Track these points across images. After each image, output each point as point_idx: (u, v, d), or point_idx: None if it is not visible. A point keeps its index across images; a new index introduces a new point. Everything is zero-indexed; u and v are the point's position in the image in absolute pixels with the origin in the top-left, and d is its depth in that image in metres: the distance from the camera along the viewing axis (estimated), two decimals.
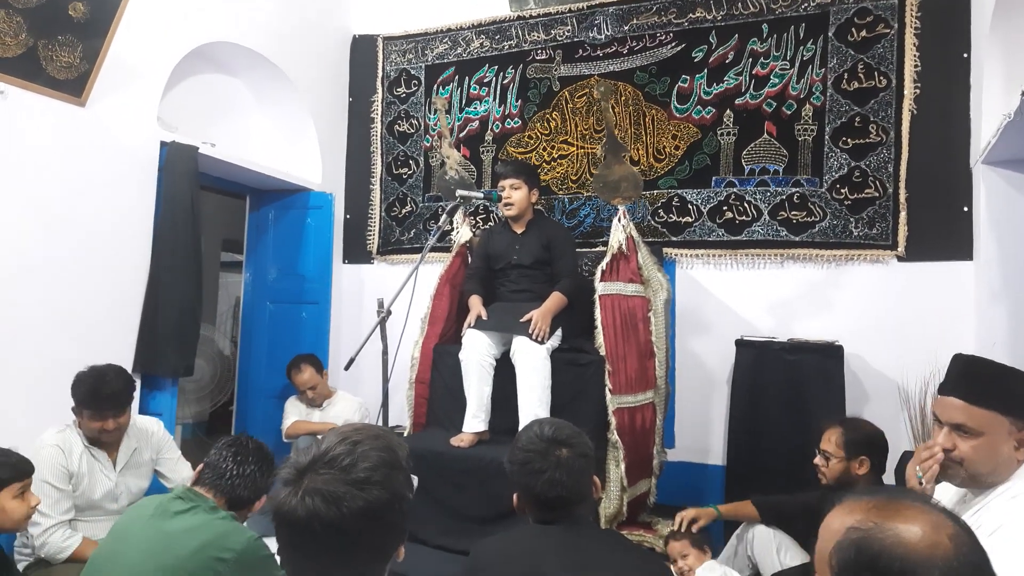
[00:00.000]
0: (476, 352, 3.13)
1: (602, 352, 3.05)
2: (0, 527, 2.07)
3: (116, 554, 1.72)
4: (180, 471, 2.81)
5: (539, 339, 3.03)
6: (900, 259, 3.41)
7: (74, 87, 3.01)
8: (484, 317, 3.21)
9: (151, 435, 2.77)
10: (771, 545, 2.75)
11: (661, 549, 2.97)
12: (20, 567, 2.44)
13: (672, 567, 2.65)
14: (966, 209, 3.28)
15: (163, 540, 1.68)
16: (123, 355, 3.18)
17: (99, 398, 2.47)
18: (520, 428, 2.95)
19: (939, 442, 1.53)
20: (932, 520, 0.89)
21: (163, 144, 3.46)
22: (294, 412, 3.93)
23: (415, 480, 1.17)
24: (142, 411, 3.23)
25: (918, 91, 3.40)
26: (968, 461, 1.49)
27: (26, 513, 2.11)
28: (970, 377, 1.55)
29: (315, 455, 1.08)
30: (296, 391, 4.00)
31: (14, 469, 2.08)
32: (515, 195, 3.33)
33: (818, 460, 2.55)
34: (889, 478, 2.62)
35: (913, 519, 0.89)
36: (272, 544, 1.82)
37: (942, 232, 3.34)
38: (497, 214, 4.26)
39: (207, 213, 5.40)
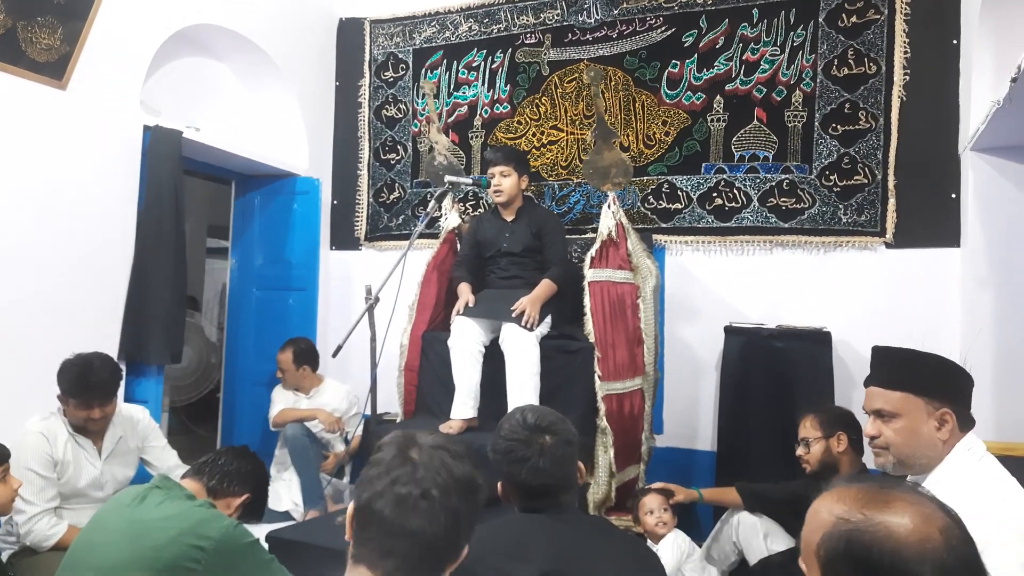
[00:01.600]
0: (465, 339, 3.12)
1: (591, 339, 3.05)
2: None
3: (94, 544, 1.71)
4: (166, 459, 2.79)
5: (529, 326, 3.02)
6: (888, 246, 3.42)
7: (55, 70, 2.96)
8: (472, 304, 3.20)
9: (137, 423, 2.75)
10: (758, 531, 2.78)
11: None
12: (4, 556, 2.42)
13: (646, 518, 2.74)
14: (954, 196, 3.29)
15: (139, 528, 1.67)
16: (108, 342, 3.14)
17: (86, 387, 2.45)
18: None
19: (866, 431, 1.64)
20: (922, 512, 0.88)
21: (146, 128, 3.40)
22: (281, 400, 3.91)
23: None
24: (127, 399, 3.20)
25: (908, 77, 3.40)
26: (892, 445, 1.58)
27: (10, 496, 2.11)
28: (883, 364, 1.65)
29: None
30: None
31: None
32: (504, 182, 3.31)
33: (800, 451, 2.62)
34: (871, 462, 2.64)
35: (903, 511, 0.88)
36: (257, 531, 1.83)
37: (930, 219, 3.34)
38: (487, 200, 4.23)
39: (193, 199, 5.37)
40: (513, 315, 3.04)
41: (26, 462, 2.36)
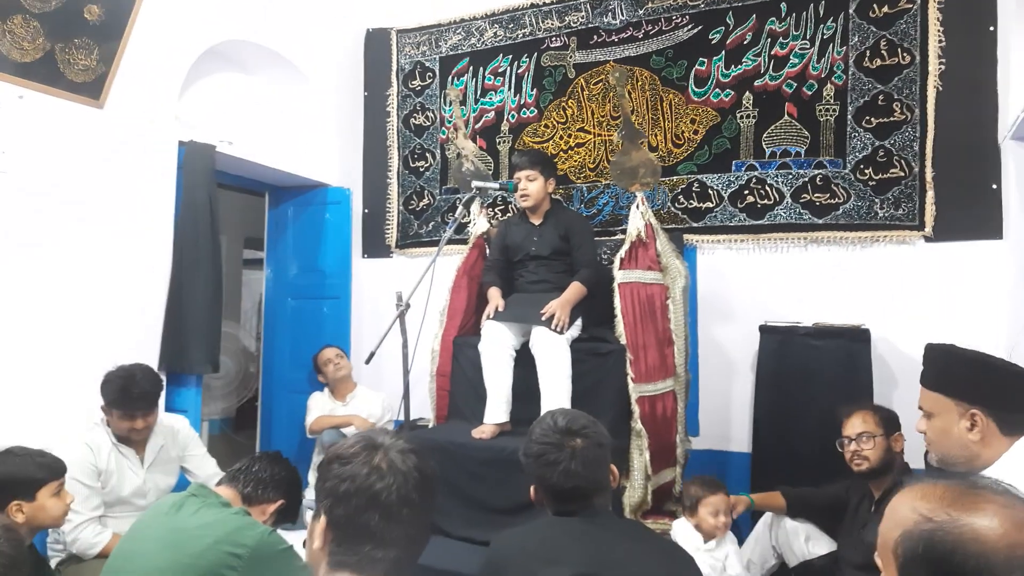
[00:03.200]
0: (496, 343, 3.12)
1: (622, 341, 3.02)
2: (40, 524, 2.12)
3: (133, 552, 1.75)
4: (206, 468, 2.84)
5: (559, 329, 3.01)
6: (928, 239, 3.34)
7: (92, 89, 3.05)
8: (502, 308, 3.20)
9: (177, 432, 2.81)
10: (799, 534, 2.73)
11: None
12: (53, 563, 2.49)
13: (708, 516, 2.57)
14: (995, 187, 3.20)
15: (177, 537, 1.70)
16: (148, 354, 3.22)
17: (129, 398, 2.52)
18: None
19: (915, 426, 1.71)
20: (1014, 516, 0.81)
21: (181, 144, 3.49)
22: (317, 407, 3.96)
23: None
24: (168, 408, 3.27)
25: (943, 67, 3.31)
26: (929, 442, 1.66)
27: (63, 510, 2.16)
28: (927, 364, 1.71)
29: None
30: (321, 386, 4.04)
31: (50, 469, 2.13)
32: (531, 186, 3.31)
33: (854, 446, 2.47)
34: (918, 463, 2.56)
35: (993, 513, 0.81)
36: (290, 537, 1.85)
37: (970, 211, 3.25)
38: (515, 205, 4.24)
39: (229, 212, 5.47)
40: (543, 318, 3.03)
41: (71, 472, 2.42)
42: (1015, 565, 0.77)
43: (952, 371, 1.63)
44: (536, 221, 3.38)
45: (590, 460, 1.63)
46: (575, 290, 3.13)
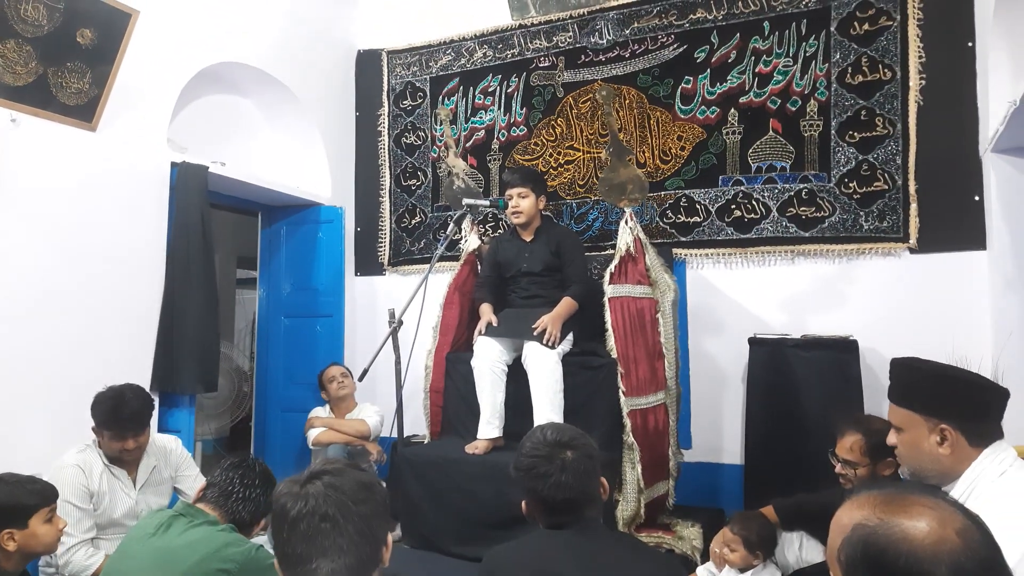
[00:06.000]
0: (488, 358, 3.14)
1: (613, 355, 3.05)
2: (33, 551, 2.10)
3: (121, 573, 1.74)
4: (199, 488, 2.83)
5: (550, 344, 3.04)
6: (912, 251, 3.39)
7: (84, 112, 3.07)
8: (495, 324, 3.22)
9: (169, 453, 2.80)
10: (793, 542, 2.73)
11: (680, 551, 2.97)
12: None
13: (715, 550, 2.55)
14: (977, 198, 3.25)
15: (165, 556, 1.70)
16: (141, 374, 3.22)
17: (119, 418, 2.51)
18: None
19: (888, 440, 1.71)
20: (939, 515, 0.88)
21: (173, 165, 3.51)
22: (320, 423, 3.93)
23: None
24: (160, 429, 3.27)
25: (924, 82, 3.38)
26: (900, 456, 1.66)
27: (56, 536, 2.14)
28: (893, 379, 1.71)
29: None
30: (323, 402, 4.03)
31: (41, 495, 2.10)
32: (523, 203, 3.35)
33: (840, 469, 2.43)
34: None
35: (920, 514, 0.89)
36: None
37: (954, 222, 3.30)
38: (506, 221, 4.28)
39: (222, 232, 5.48)
40: (535, 333, 3.05)
41: (63, 495, 2.40)
42: (941, 560, 0.84)
43: (918, 387, 1.63)
44: (527, 238, 3.41)
45: (580, 472, 1.65)
46: (566, 305, 3.16)
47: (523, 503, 1.74)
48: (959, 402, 1.58)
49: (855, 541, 0.91)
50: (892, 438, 1.67)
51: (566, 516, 1.65)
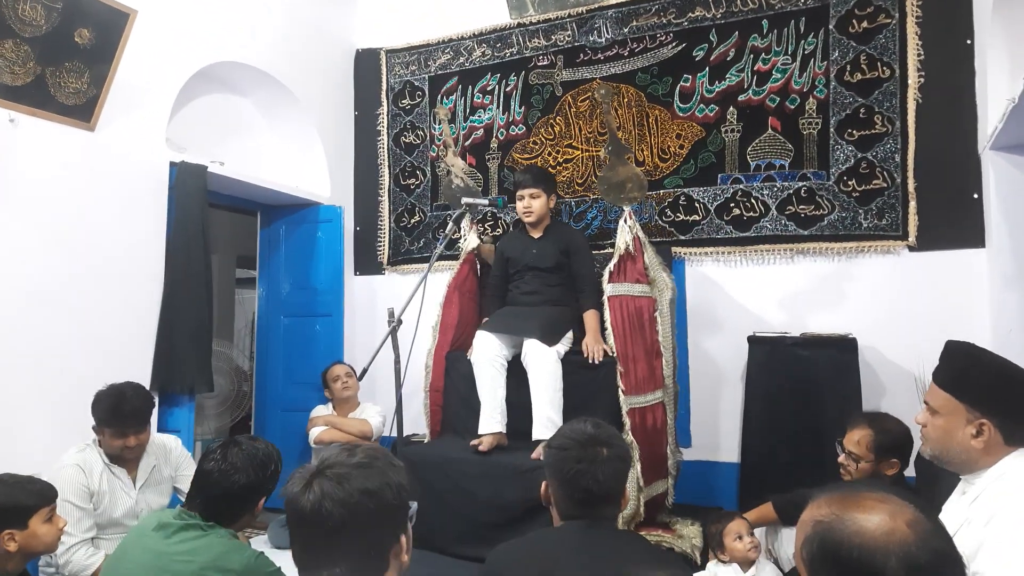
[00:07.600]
0: (487, 353, 3.16)
1: (613, 353, 3.05)
2: (33, 551, 2.10)
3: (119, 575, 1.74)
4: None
5: (593, 361, 3.08)
6: (911, 249, 3.39)
7: (83, 112, 3.07)
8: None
9: (169, 452, 2.81)
10: (791, 538, 2.72)
11: (680, 549, 2.97)
12: None
13: (735, 544, 2.51)
14: (976, 196, 3.25)
15: (164, 562, 1.69)
16: (140, 373, 3.22)
17: (120, 416, 2.51)
18: (533, 432, 2.97)
19: (916, 417, 1.69)
20: (890, 508, 0.93)
21: (172, 164, 3.51)
22: (322, 421, 3.93)
23: (414, 506, 1.24)
24: (160, 428, 3.27)
25: (922, 80, 3.37)
26: (927, 438, 1.63)
27: (56, 536, 2.14)
28: (944, 362, 1.65)
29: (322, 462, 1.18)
30: (326, 400, 4.03)
31: (40, 495, 2.10)
32: (535, 204, 3.37)
33: (843, 459, 2.44)
34: (910, 469, 2.58)
35: (871, 508, 0.94)
36: (278, 557, 1.83)
37: (953, 220, 3.30)
38: (504, 220, 4.28)
39: (222, 231, 5.49)
40: (591, 362, 3.08)
41: (63, 494, 2.41)
42: (891, 551, 0.89)
43: (972, 377, 1.57)
44: (536, 235, 3.44)
45: (609, 470, 1.65)
46: (593, 317, 3.22)
47: (543, 485, 1.74)
48: (1011, 401, 1.54)
49: (813, 537, 0.96)
50: (922, 417, 1.64)
51: (584, 508, 1.65)
